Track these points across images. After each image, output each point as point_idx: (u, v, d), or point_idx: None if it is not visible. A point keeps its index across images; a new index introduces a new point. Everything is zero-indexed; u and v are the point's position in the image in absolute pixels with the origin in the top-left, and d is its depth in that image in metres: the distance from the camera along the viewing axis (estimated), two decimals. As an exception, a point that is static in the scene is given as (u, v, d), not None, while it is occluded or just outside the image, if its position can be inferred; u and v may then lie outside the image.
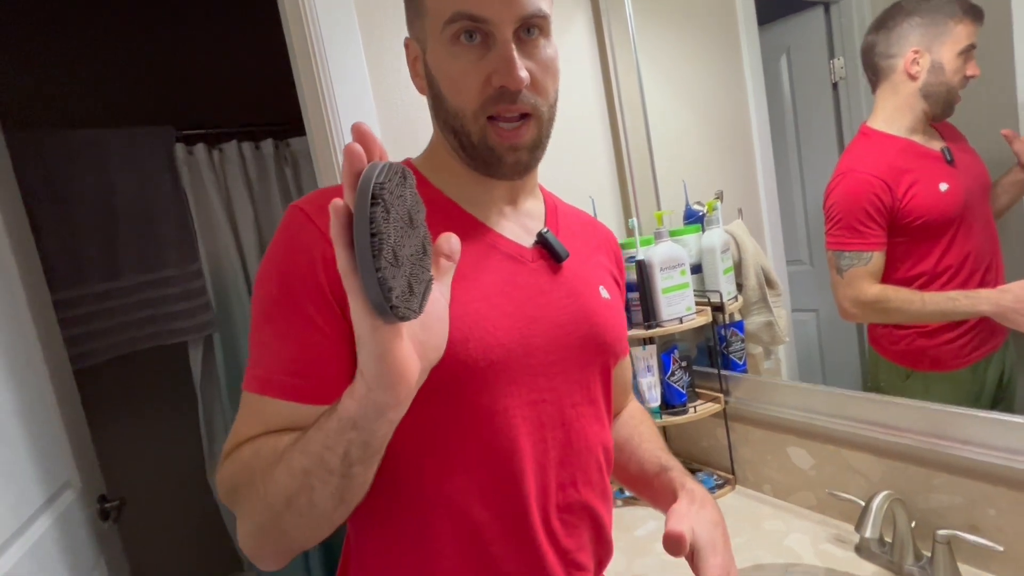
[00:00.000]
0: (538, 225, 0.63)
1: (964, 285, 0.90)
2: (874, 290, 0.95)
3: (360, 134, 0.35)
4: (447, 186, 0.59)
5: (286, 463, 0.44)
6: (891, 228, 0.94)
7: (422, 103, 0.64)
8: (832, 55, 1.16)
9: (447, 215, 0.57)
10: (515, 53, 0.51)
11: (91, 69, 1.91)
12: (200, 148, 1.82)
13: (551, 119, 0.58)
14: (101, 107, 1.91)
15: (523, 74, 0.51)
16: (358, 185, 0.33)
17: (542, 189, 0.69)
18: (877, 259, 0.95)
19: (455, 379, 0.51)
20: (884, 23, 0.94)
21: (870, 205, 0.95)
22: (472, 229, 0.57)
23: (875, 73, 0.97)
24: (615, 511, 1.11)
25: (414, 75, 0.60)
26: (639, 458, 0.72)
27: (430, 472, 0.53)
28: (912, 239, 0.93)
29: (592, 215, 0.78)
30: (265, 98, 2.05)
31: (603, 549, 0.66)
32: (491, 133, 0.54)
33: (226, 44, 2.13)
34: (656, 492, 0.69)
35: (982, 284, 0.89)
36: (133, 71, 1.98)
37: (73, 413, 1.24)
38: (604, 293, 0.65)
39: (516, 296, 0.56)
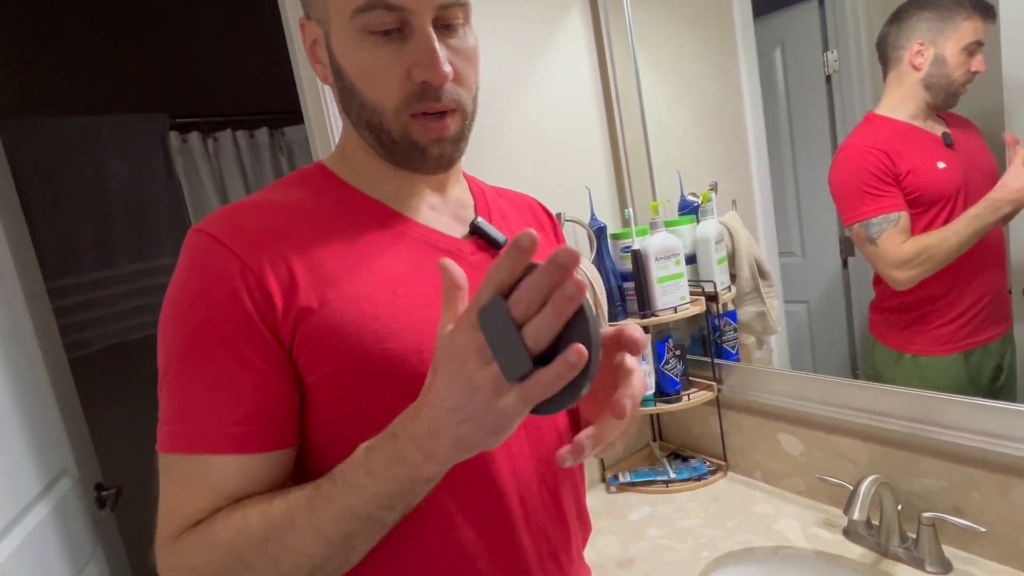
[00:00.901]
0: (470, 214, 0.59)
1: (968, 258, 0.92)
2: (909, 244, 0.95)
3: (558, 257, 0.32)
4: (369, 185, 0.54)
5: (313, 532, 0.40)
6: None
7: None
8: (826, 48, 1.17)
9: (373, 217, 0.53)
10: (437, 44, 0.47)
11: (85, 56, 1.89)
12: (194, 136, 1.81)
13: (474, 112, 0.54)
14: (94, 94, 1.89)
15: (447, 68, 0.47)
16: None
17: (465, 175, 0.64)
18: (905, 219, 0.95)
19: (413, 395, 0.42)
20: (899, 15, 0.96)
21: (876, 170, 0.97)
22: (403, 228, 0.53)
23: (885, 63, 0.99)
24: (609, 496, 1.13)
25: (313, 61, 0.54)
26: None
27: None
28: (915, 212, 0.95)
29: (519, 191, 0.73)
30: (260, 86, 2.03)
31: (583, 526, 0.63)
32: (415, 128, 0.50)
33: (222, 31, 2.10)
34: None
35: (985, 260, 0.92)
36: (127, 58, 1.96)
37: (69, 401, 1.24)
38: None
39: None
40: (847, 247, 1.21)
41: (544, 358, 0.34)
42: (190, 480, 0.44)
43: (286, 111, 1.97)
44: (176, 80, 2.01)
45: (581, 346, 0.31)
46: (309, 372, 0.46)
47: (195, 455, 0.44)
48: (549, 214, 0.72)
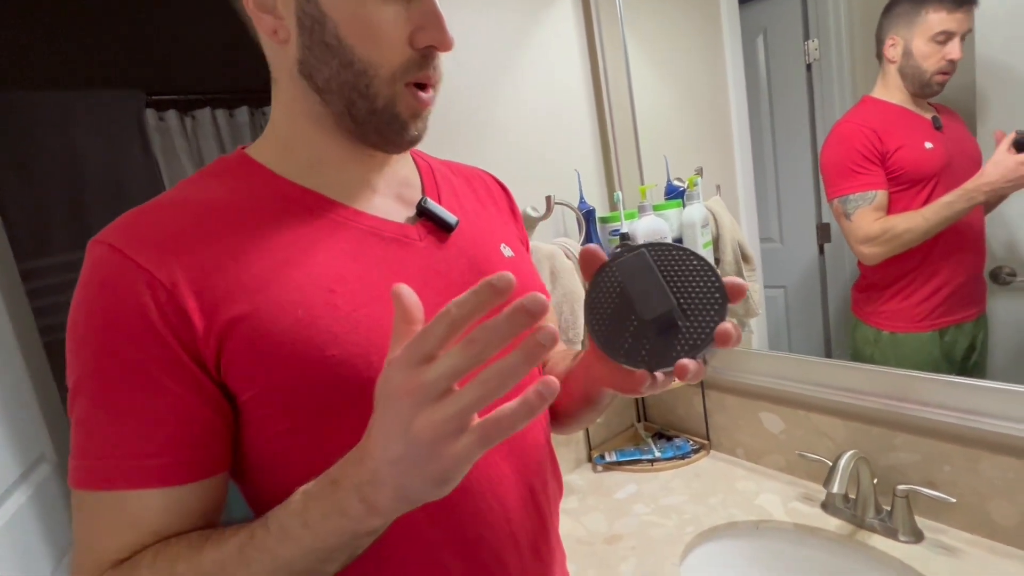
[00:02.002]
0: (416, 194, 0.53)
1: (947, 238, 0.96)
2: (878, 223, 0.99)
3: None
4: (300, 171, 0.48)
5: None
6: (885, 174, 0.99)
7: None
8: (807, 36, 1.19)
9: (304, 208, 0.47)
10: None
11: (57, 28, 1.81)
12: (171, 114, 1.76)
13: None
14: (68, 68, 1.81)
15: (452, 35, 0.44)
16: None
17: (411, 151, 0.58)
18: (881, 197, 0.99)
19: (363, 401, 0.37)
20: (887, 7, 1.00)
21: (863, 148, 1.00)
22: (340, 217, 0.47)
23: (877, 54, 1.03)
24: (595, 475, 1.15)
25: (260, 11, 0.45)
26: (559, 373, 0.60)
27: None
28: (897, 188, 0.99)
29: (507, 172, 0.69)
30: (241, 63, 1.98)
31: (559, 491, 0.61)
32: (404, 98, 0.45)
33: (201, 5, 2.03)
34: (573, 374, 0.56)
35: (963, 242, 0.96)
36: (103, 33, 1.88)
37: (45, 385, 1.21)
38: (507, 251, 0.57)
39: (411, 287, 0.46)
40: (823, 234, 1.24)
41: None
42: (106, 517, 0.40)
43: (267, 90, 1.93)
44: (153, 56, 1.95)
45: (552, 379, 0.29)
46: (243, 389, 0.42)
47: (112, 492, 0.39)
48: (505, 189, 0.67)
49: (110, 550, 0.40)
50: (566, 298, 1.05)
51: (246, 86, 1.97)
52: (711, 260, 1.18)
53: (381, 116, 0.45)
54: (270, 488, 0.40)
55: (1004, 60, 0.92)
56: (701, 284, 0.40)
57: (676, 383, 0.42)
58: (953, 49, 0.92)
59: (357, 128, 0.47)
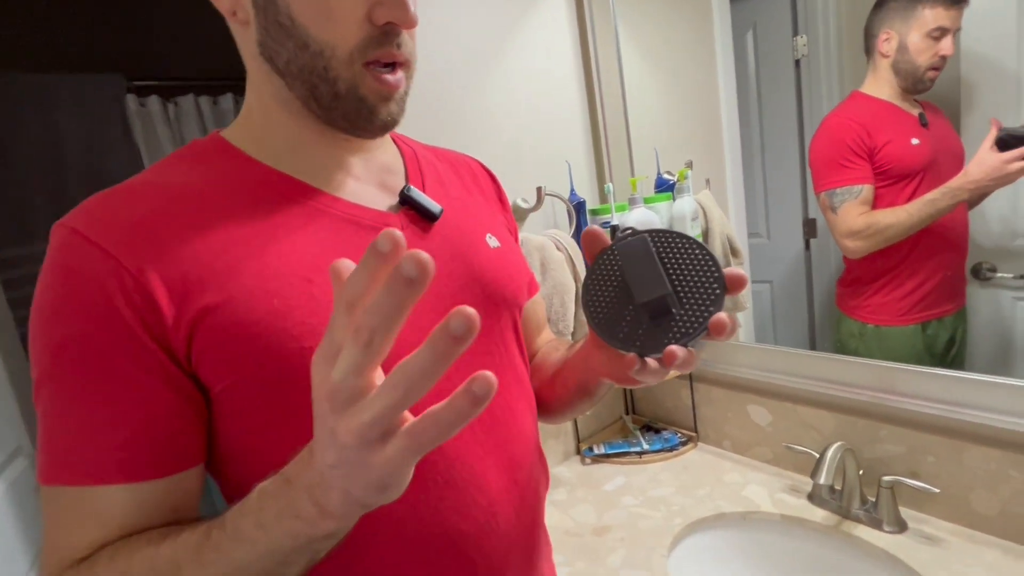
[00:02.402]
0: (399, 181, 0.51)
1: (930, 234, 0.97)
2: (862, 217, 1.00)
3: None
4: (278, 156, 0.46)
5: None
6: (872, 169, 1.01)
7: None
8: (796, 32, 1.19)
9: (282, 194, 0.45)
10: None
11: (38, 11, 1.75)
12: (154, 100, 1.72)
13: (414, 72, 0.48)
14: (47, 51, 1.76)
15: (415, 11, 0.41)
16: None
17: (394, 136, 0.57)
18: (867, 192, 1.00)
19: None
20: (877, 4, 1.00)
21: (852, 142, 1.01)
22: (319, 204, 0.45)
23: (866, 49, 1.04)
24: (584, 468, 1.15)
25: None
26: (553, 363, 0.60)
27: None
28: (884, 183, 1.00)
29: (458, 151, 0.65)
30: (227, 49, 1.92)
31: (545, 480, 0.59)
32: (366, 80, 0.42)
33: (180, -10, 1.99)
34: (569, 363, 0.56)
35: (947, 238, 0.98)
36: (83, 15, 1.82)
37: (22, 377, 1.18)
38: (492, 241, 0.55)
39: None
40: (809, 229, 1.25)
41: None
42: (71, 514, 0.39)
43: (252, 77, 1.90)
44: (136, 40, 1.89)
45: (489, 375, 0.25)
46: (215, 381, 0.40)
47: (77, 487, 0.38)
48: (492, 176, 0.65)
49: (74, 548, 0.39)
50: (556, 290, 1.04)
51: (231, 73, 1.92)
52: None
53: (346, 100, 0.43)
54: (247, 484, 0.38)
55: (990, 57, 0.93)
56: (701, 273, 0.40)
57: (672, 373, 0.41)
58: (947, 45, 0.93)
59: (324, 113, 0.44)
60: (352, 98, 0.43)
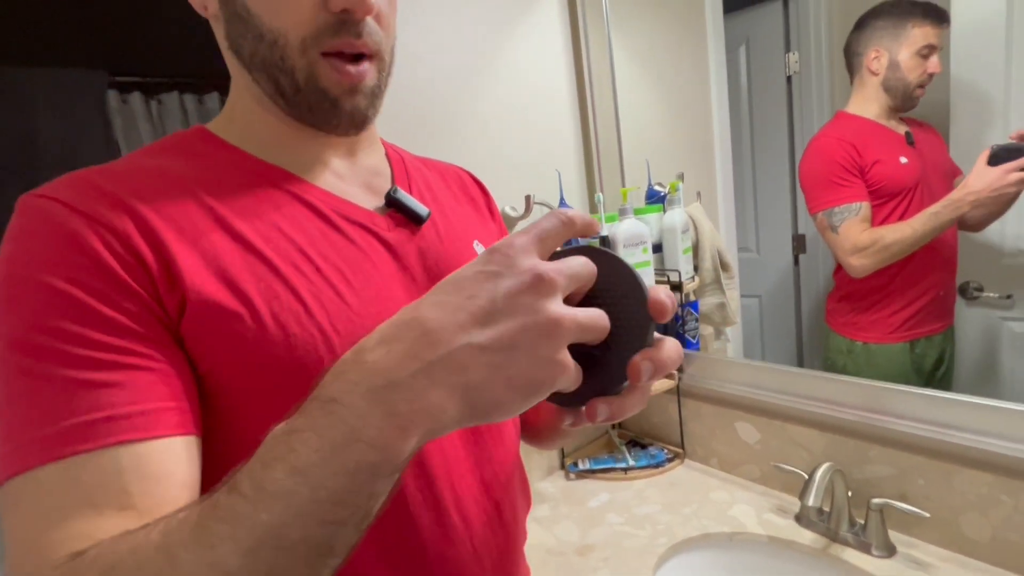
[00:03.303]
0: (385, 183, 0.50)
1: (923, 253, 0.97)
2: (866, 234, 0.99)
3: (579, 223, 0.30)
4: (261, 149, 0.45)
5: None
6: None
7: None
8: (788, 49, 1.19)
9: (267, 181, 0.43)
10: None
11: (19, 3, 1.71)
12: (136, 97, 1.69)
13: (391, 65, 0.46)
14: (26, 44, 1.71)
15: None
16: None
17: (384, 143, 0.56)
18: (866, 209, 0.99)
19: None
20: (860, 24, 1.01)
21: (843, 160, 1.01)
22: (308, 196, 0.44)
23: (850, 68, 1.04)
24: (568, 483, 1.13)
25: None
26: None
27: None
28: (876, 203, 1.00)
29: (486, 170, 0.67)
30: (214, 47, 1.90)
31: (525, 501, 0.57)
32: (325, 71, 0.41)
33: (167, -14, 1.96)
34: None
35: (938, 257, 0.98)
36: (65, 7, 1.78)
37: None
38: (480, 248, 0.54)
39: (376, 276, 0.44)
40: (799, 245, 1.25)
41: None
42: (62, 494, 0.31)
43: (240, 77, 1.86)
44: (118, 35, 1.85)
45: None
46: (198, 363, 0.37)
47: (66, 460, 0.31)
48: (482, 187, 0.64)
49: (63, 538, 0.30)
50: (543, 301, 1.02)
51: (218, 71, 1.89)
52: (690, 267, 1.19)
53: (308, 93, 0.41)
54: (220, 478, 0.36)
55: (976, 78, 0.93)
56: (628, 302, 0.31)
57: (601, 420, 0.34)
58: (934, 63, 0.94)
59: (290, 108, 0.43)
60: (312, 90, 0.41)
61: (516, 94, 1.10)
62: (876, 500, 0.81)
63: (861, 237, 0.99)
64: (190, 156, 0.43)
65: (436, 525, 0.44)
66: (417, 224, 0.49)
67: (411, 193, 0.51)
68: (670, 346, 0.30)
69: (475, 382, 0.25)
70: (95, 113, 1.68)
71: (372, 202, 0.48)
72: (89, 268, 0.34)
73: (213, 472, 0.38)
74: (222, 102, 1.79)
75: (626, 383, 0.31)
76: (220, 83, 1.88)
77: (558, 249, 0.33)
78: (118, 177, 0.39)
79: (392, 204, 0.48)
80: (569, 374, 0.26)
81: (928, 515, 0.77)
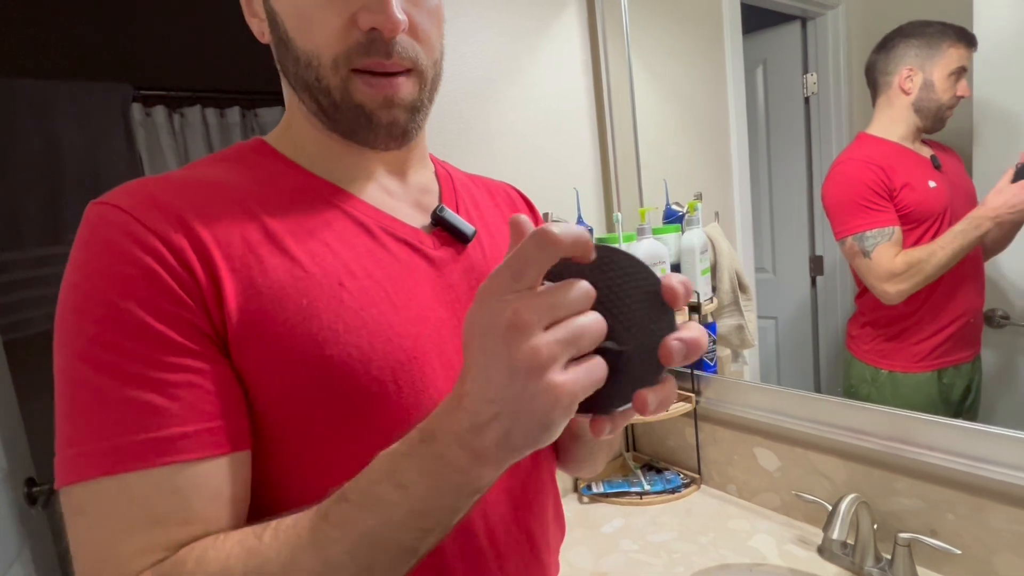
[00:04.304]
0: (434, 201, 0.51)
1: (951, 278, 0.95)
2: (900, 257, 0.97)
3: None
4: (314, 163, 0.46)
5: (324, 572, 0.31)
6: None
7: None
8: (806, 70, 1.19)
9: (319, 197, 0.44)
10: None
11: (45, 14, 1.76)
12: (159, 110, 1.71)
13: (436, 79, 0.46)
14: (53, 58, 1.75)
15: (400, 15, 0.39)
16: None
17: (433, 159, 0.56)
18: (898, 234, 0.97)
19: (355, 413, 0.39)
20: (885, 44, 0.99)
21: (873, 184, 0.98)
22: (357, 213, 0.45)
23: (875, 88, 1.02)
24: (581, 507, 1.10)
25: (249, 15, 0.46)
26: None
27: None
28: (905, 228, 0.97)
29: (495, 178, 0.65)
30: (236, 62, 1.94)
31: (559, 532, 0.57)
32: (357, 86, 0.41)
33: (197, 1, 2.00)
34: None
35: (966, 282, 0.95)
36: (91, 23, 1.83)
37: (1, 387, 1.14)
38: None
39: (419, 295, 0.44)
40: (816, 266, 1.23)
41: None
42: (124, 509, 0.34)
43: (261, 91, 1.89)
44: (145, 50, 1.89)
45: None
46: (243, 375, 0.39)
47: (132, 473, 0.34)
48: (530, 204, 0.64)
49: (135, 552, 0.34)
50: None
51: (239, 87, 1.93)
52: (708, 288, 1.17)
53: (345, 110, 0.43)
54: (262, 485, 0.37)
55: (1000, 101, 0.92)
56: (641, 297, 0.31)
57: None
58: (964, 86, 0.92)
59: (332, 125, 0.44)
60: (349, 107, 0.42)
61: (535, 113, 1.11)
62: (903, 535, 0.78)
63: (896, 262, 0.97)
64: (246, 167, 0.45)
65: (464, 552, 0.43)
66: (463, 243, 0.49)
67: (458, 211, 0.51)
68: (694, 328, 0.31)
69: (502, 429, 0.28)
70: (119, 125, 1.71)
71: (420, 220, 0.48)
72: (146, 283, 0.35)
73: (255, 479, 0.40)
74: (242, 115, 1.82)
75: (662, 374, 0.31)
76: (240, 98, 1.91)
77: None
78: (177, 188, 0.40)
79: (439, 222, 0.48)
80: (569, 392, 0.27)
81: (960, 552, 0.74)
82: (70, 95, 1.65)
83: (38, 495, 1.13)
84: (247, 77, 1.90)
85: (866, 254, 0.99)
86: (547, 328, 0.27)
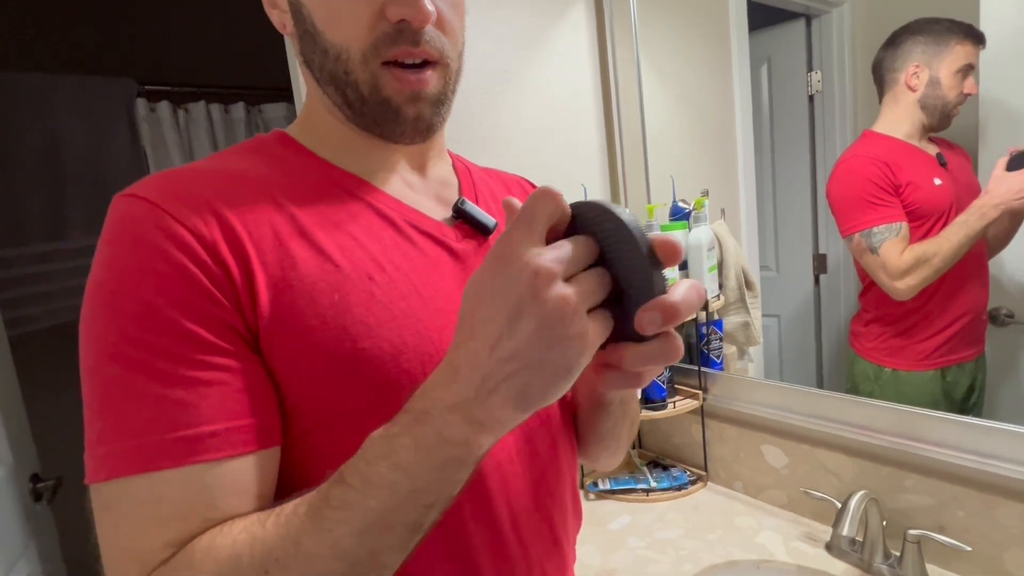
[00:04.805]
0: (454, 195, 0.51)
1: (956, 275, 0.95)
2: (908, 252, 0.96)
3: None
4: (336, 156, 0.46)
5: (331, 554, 0.31)
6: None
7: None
8: (810, 68, 1.18)
9: (344, 190, 0.44)
10: None
11: (46, 7, 1.74)
12: (164, 106, 1.70)
13: (459, 72, 0.46)
14: (56, 52, 1.74)
15: (430, 7, 0.40)
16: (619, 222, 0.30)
17: (451, 154, 0.57)
18: (906, 229, 0.97)
19: (386, 407, 0.36)
20: (893, 41, 0.99)
21: (878, 179, 0.98)
22: (382, 205, 0.45)
23: (881, 85, 1.02)
24: (588, 503, 1.10)
25: (269, 6, 0.46)
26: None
27: None
28: (910, 225, 0.97)
29: (506, 171, 0.65)
30: (242, 58, 1.93)
31: (576, 522, 0.57)
32: (386, 80, 0.41)
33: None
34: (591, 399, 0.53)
35: (971, 280, 0.96)
36: (96, 18, 1.81)
37: (6, 383, 1.13)
38: None
39: (444, 287, 0.44)
40: (819, 264, 1.23)
41: None
42: (165, 502, 0.34)
43: (266, 87, 1.88)
44: (149, 45, 1.88)
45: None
46: (277, 369, 0.38)
47: (169, 471, 0.34)
48: None
49: (159, 547, 0.34)
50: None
51: (243, 82, 1.92)
52: (715, 285, 1.17)
53: (372, 104, 0.42)
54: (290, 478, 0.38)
55: (1006, 99, 0.92)
56: (630, 250, 0.30)
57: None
58: (971, 83, 0.92)
59: (358, 119, 0.44)
60: (376, 100, 0.42)
61: (543, 109, 1.10)
62: (913, 531, 0.78)
63: (904, 257, 0.97)
64: (270, 160, 0.44)
65: (491, 542, 0.43)
66: (484, 235, 0.49)
67: (478, 204, 0.51)
68: (683, 288, 0.29)
69: (520, 385, 0.29)
70: (122, 120, 1.70)
71: (441, 213, 0.48)
72: (177, 280, 0.35)
73: (281, 471, 0.39)
74: (247, 111, 1.82)
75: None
76: (245, 94, 1.90)
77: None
78: (206, 179, 0.40)
79: (460, 215, 0.48)
80: (594, 339, 0.29)
81: (970, 549, 0.74)
82: (72, 90, 1.64)
83: (43, 491, 1.13)
84: (252, 73, 1.89)
85: (874, 250, 0.99)
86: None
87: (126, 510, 0.34)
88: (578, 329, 0.27)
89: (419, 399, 0.31)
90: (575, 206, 0.32)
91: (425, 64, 0.42)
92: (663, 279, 0.30)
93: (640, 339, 0.31)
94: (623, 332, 0.31)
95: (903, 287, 0.98)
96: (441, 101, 0.44)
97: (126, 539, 0.34)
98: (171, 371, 0.34)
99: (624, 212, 0.30)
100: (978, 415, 0.98)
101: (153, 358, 0.34)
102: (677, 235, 1.14)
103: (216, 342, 0.35)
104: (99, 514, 0.35)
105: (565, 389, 0.29)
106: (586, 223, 0.31)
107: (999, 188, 0.87)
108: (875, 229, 0.98)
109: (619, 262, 0.30)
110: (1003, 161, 0.86)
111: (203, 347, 0.35)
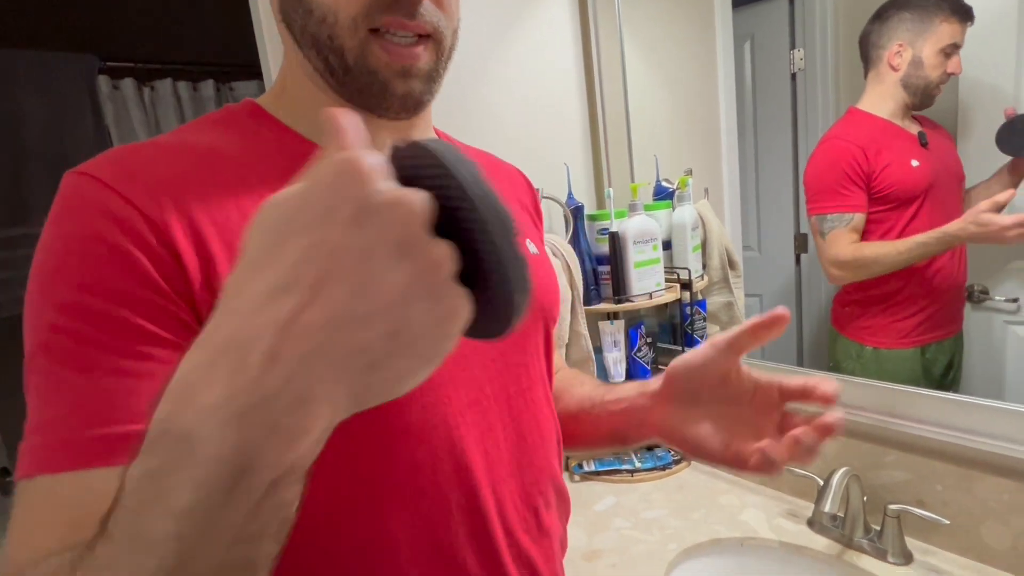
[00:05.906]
0: None
1: (937, 258, 0.95)
2: (850, 249, 0.99)
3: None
4: (313, 129, 0.43)
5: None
6: (867, 196, 0.99)
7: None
8: (793, 46, 1.17)
9: None
10: None
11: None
12: (128, 83, 1.63)
13: (452, 49, 0.43)
14: (12, 25, 1.65)
15: None
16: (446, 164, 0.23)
17: (438, 131, 0.54)
18: (858, 220, 0.98)
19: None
20: (880, 14, 0.98)
21: (849, 168, 0.99)
22: None
23: (866, 61, 1.01)
24: (573, 485, 1.10)
25: None
26: (579, 398, 0.58)
27: (365, 511, 0.39)
28: (883, 207, 0.98)
29: (501, 158, 0.63)
30: (210, 34, 1.85)
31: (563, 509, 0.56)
32: (375, 50, 0.38)
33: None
34: (610, 410, 0.53)
35: (951, 262, 0.96)
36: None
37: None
38: (531, 247, 0.53)
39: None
40: (801, 244, 1.23)
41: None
42: (69, 506, 0.30)
43: (236, 64, 1.81)
44: (111, 18, 1.79)
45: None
46: None
47: (89, 470, 0.30)
48: (531, 188, 0.62)
49: (53, 551, 0.28)
50: (551, 298, 0.99)
51: (213, 59, 1.85)
52: (699, 265, 1.16)
53: (357, 74, 0.39)
54: None
55: (988, 80, 0.92)
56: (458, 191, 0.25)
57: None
58: (955, 63, 0.91)
59: (341, 89, 0.41)
60: (362, 71, 0.39)
61: (525, 87, 1.07)
62: (893, 506, 0.79)
63: (845, 250, 0.99)
64: (241, 135, 0.41)
65: (477, 532, 0.42)
66: None
67: None
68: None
69: (360, 363, 0.21)
70: (84, 99, 1.62)
71: None
72: (116, 265, 0.32)
73: None
74: (216, 89, 1.74)
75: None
76: (214, 71, 1.83)
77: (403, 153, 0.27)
78: (167, 157, 0.37)
79: None
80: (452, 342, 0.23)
81: (948, 522, 0.75)
82: (30, 66, 1.55)
83: (12, 485, 1.09)
84: (221, 49, 1.82)
85: (822, 235, 1.01)
86: None
87: (24, 509, 0.31)
88: (455, 288, 0.22)
89: (177, 410, 0.22)
90: (396, 149, 0.25)
91: (418, 38, 0.40)
92: (520, 261, 0.23)
93: (491, 335, 0.24)
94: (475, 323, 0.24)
95: (836, 275, 1.03)
96: (433, 78, 0.42)
97: (22, 535, 0.30)
98: (97, 362, 0.31)
99: (466, 167, 0.23)
100: (956, 391, 1.00)
101: (80, 347, 0.31)
102: (660, 215, 1.13)
103: (157, 332, 0.32)
104: (14, 508, 0.31)
105: (431, 370, 0.23)
106: (415, 172, 0.24)
107: (977, 230, 0.85)
108: (828, 216, 1.00)
109: (462, 234, 0.23)
110: (985, 204, 0.85)
111: (139, 337, 0.32)
